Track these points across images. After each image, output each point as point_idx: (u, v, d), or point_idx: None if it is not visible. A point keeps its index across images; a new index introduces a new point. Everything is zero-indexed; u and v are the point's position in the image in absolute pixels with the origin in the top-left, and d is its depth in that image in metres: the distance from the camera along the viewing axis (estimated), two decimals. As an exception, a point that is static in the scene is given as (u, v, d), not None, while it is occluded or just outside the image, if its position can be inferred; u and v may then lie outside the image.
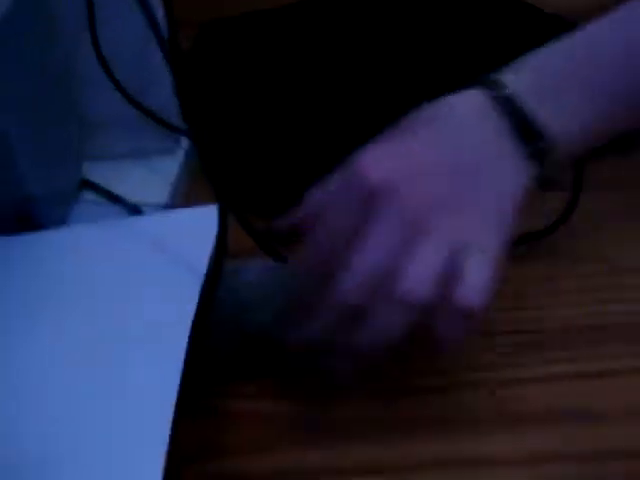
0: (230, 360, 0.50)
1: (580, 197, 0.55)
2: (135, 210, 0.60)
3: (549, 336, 0.51)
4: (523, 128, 0.45)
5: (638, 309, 0.52)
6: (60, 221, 0.58)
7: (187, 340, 0.43)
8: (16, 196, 0.55)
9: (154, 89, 0.63)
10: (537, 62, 0.47)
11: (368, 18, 0.73)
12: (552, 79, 0.46)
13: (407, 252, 0.43)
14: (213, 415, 0.48)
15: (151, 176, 0.64)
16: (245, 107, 0.67)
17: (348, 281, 0.43)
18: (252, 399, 0.49)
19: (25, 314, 0.47)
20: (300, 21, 0.74)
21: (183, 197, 0.64)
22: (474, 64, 0.61)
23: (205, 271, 0.47)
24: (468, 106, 0.46)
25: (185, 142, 0.66)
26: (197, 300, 0.46)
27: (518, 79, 0.46)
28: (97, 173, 0.63)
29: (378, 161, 0.45)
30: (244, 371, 0.49)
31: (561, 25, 0.68)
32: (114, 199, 0.61)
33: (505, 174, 0.45)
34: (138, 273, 0.49)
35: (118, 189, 0.62)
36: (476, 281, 0.43)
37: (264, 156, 0.64)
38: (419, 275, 0.43)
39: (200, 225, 0.50)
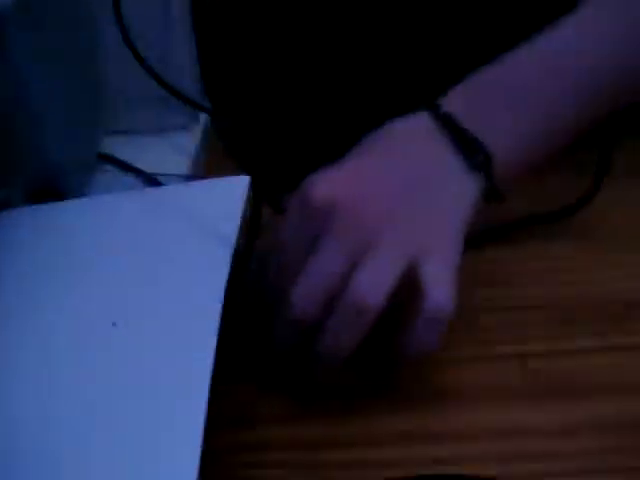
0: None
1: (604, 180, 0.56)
2: (155, 182, 0.60)
3: (580, 311, 0.51)
4: (462, 143, 0.47)
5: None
6: (81, 192, 0.58)
7: (220, 311, 0.43)
8: (42, 164, 0.55)
9: (176, 65, 0.63)
10: (474, 82, 0.49)
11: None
12: (486, 97, 0.49)
13: (360, 263, 0.43)
14: (243, 384, 0.48)
15: (171, 151, 0.64)
16: (266, 78, 0.67)
17: (297, 295, 0.44)
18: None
19: (51, 283, 0.47)
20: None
21: (203, 172, 0.64)
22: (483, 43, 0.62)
23: (234, 242, 0.48)
24: (413, 126, 0.48)
25: (205, 118, 0.66)
26: (228, 270, 0.46)
27: (455, 98, 0.49)
28: (117, 147, 0.63)
29: (324, 181, 0.46)
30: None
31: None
32: (134, 171, 0.61)
33: (453, 186, 0.47)
34: (165, 243, 0.49)
35: (138, 163, 0.62)
36: (440, 291, 0.44)
37: (286, 130, 0.64)
38: (371, 284, 0.43)
39: (227, 195, 0.50)
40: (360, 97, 0.63)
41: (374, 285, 0.43)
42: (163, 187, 0.58)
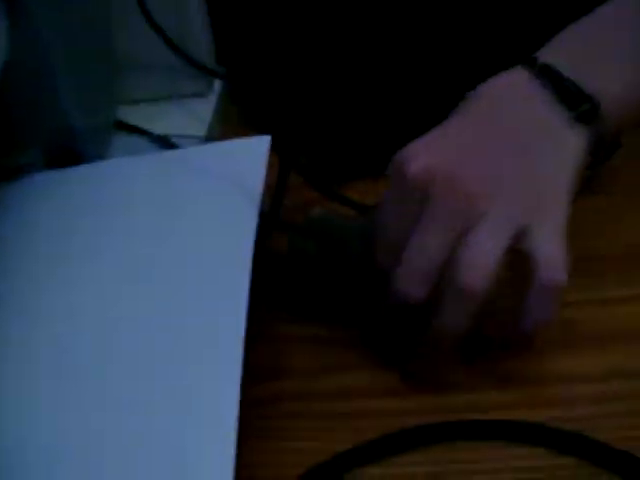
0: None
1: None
2: (173, 147, 0.60)
3: (610, 261, 0.52)
4: (565, 93, 0.45)
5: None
6: (99, 158, 0.58)
7: (249, 273, 0.43)
8: (60, 129, 0.55)
9: (190, 32, 0.63)
10: (572, 32, 0.47)
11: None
12: (585, 46, 0.47)
13: (464, 239, 0.41)
14: (274, 340, 0.49)
15: (187, 118, 0.64)
16: (280, 41, 0.67)
17: (400, 278, 0.42)
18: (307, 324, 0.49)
19: (76, 243, 0.48)
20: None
21: (219, 138, 0.64)
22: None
23: (259, 201, 0.48)
24: (511, 83, 0.46)
25: (220, 85, 0.66)
26: (255, 228, 0.46)
27: (552, 50, 0.47)
28: (133, 115, 0.63)
29: (421, 153, 0.43)
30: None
31: None
32: (151, 137, 0.61)
33: (558, 145, 0.44)
34: (189, 203, 0.49)
35: (154, 130, 0.62)
36: (553, 258, 0.42)
37: (302, 91, 0.63)
38: (478, 263, 0.41)
39: (249, 155, 0.50)
40: (374, 57, 0.63)
41: (481, 264, 0.41)
42: (182, 149, 0.58)
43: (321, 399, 0.46)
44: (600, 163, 0.52)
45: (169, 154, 0.56)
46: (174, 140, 0.61)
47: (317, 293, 0.50)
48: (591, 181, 0.55)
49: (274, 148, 0.50)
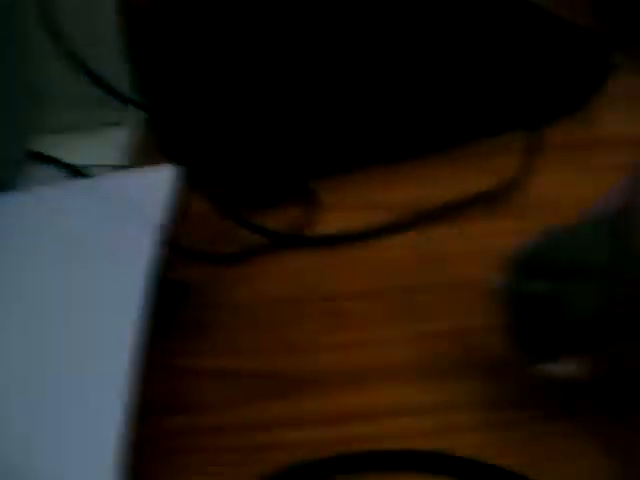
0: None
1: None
2: (86, 176, 0.59)
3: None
4: None
5: None
6: (11, 189, 0.57)
7: (141, 300, 0.42)
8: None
9: (108, 62, 0.62)
10: None
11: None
12: None
13: None
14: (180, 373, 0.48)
15: (104, 148, 0.63)
16: (199, 74, 0.66)
17: None
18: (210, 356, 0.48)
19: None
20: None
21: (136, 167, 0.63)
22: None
23: (158, 229, 0.47)
24: None
25: (137, 115, 0.65)
26: (151, 260, 0.45)
27: None
28: (50, 146, 0.62)
29: None
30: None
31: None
32: (64, 167, 0.60)
33: None
34: (88, 233, 0.48)
35: (70, 160, 0.61)
36: None
37: (219, 124, 0.63)
38: None
39: (154, 183, 0.49)
40: (288, 91, 0.63)
41: None
42: (90, 178, 0.57)
43: (228, 433, 0.45)
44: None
45: (76, 183, 0.55)
46: (91, 169, 0.60)
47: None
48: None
49: (187, 176, 0.50)
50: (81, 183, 0.55)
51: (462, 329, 0.48)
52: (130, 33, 0.65)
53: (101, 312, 0.42)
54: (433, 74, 0.63)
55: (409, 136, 0.62)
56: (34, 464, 0.36)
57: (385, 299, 0.51)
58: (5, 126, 0.58)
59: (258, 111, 0.61)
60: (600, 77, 0.66)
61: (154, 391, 0.44)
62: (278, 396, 0.46)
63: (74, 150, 0.62)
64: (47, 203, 0.50)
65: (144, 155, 0.64)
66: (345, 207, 0.58)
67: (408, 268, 0.53)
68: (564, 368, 0.40)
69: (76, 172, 0.60)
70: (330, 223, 0.57)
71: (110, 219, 0.48)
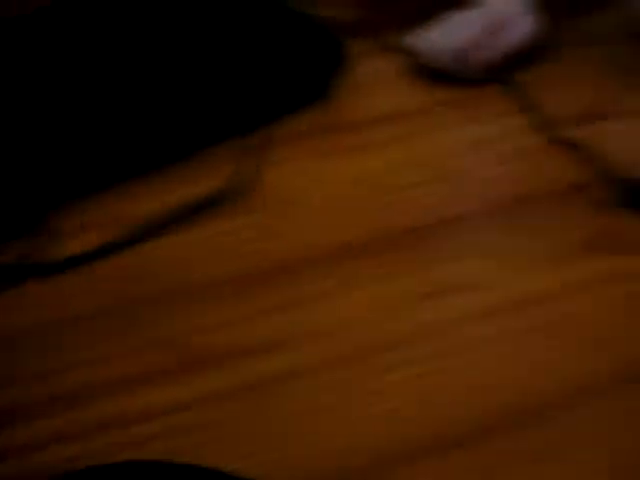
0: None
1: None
2: None
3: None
4: None
5: None
6: None
7: None
8: None
9: None
10: None
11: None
12: None
13: None
14: None
15: None
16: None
17: None
18: None
19: None
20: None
21: None
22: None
23: None
24: None
25: None
26: None
27: None
28: None
29: None
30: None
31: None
32: None
33: None
34: None
35: None
36: None
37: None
38: None
39: None
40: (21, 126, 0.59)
41: None
42: None
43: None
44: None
45: None
46: None
47: None
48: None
49: None
50: None
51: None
52: None
53: None
54: (156, 83, 0.60)
55: (138, 151, 0.59)
56: None
57: (114, 315, 0.49)
58: None
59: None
60: (336, 65, 0.66)
61: None
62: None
63: None
64: None
65: None
66: (86, 228, 0.56)
67: (141, 279, 0.51)
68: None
69: None
70: (70, 247, 0.54)
71: None
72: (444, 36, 0.66)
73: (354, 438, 0.42)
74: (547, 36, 0.69)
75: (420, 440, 0.42)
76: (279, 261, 0.52)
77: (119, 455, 0.42)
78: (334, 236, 0.53)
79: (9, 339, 0.49)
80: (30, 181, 0.56)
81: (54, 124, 0.58)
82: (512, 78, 0.67)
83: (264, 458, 0.41)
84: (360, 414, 0.43)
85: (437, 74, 0.67)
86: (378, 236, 0.53)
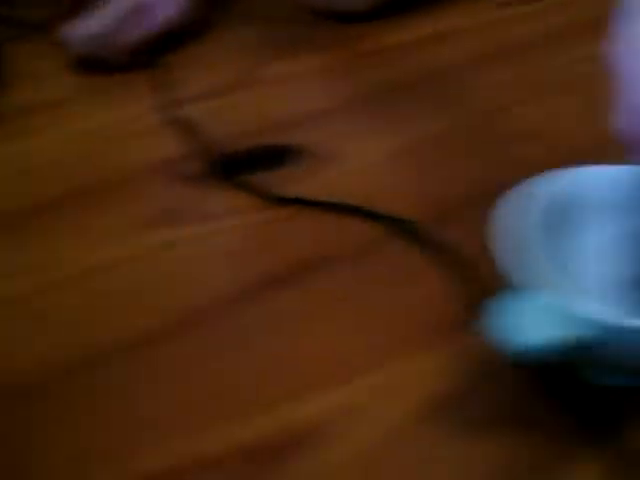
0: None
1: None
2: None
3: None
4: None
5: None
6: None
7: None
8: None
9: None
10: None
11: None
12: None
13: None
14: None
15: None
16: None
17: None
18: None
19: None
20: None
21: None
22: None
23: None
24: None
25: None
26: None
27: None
28: None
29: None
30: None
31: None
32: None
33: None
34: None
35: None
36: None
37: None
38: None
39: None
40: None
41: None
42: None
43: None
44: None
45: None
46: None
47: None
48: None
49: None
50: None
51: None
52: None
53: None
54: None
55: None
56: None
57: None
58: None
59: None
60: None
61: None
62: None
63: None
64: None
65: None
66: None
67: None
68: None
69: None
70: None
71: None
72: (89, 24, 0.68)
73: None
74: (199, 17, 0.71)
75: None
76: None
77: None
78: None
79: None
80: None
81: None
82: (156, 60, 0.68)
83: None
84: None
85: (88, 62, 0.68)
86: None
